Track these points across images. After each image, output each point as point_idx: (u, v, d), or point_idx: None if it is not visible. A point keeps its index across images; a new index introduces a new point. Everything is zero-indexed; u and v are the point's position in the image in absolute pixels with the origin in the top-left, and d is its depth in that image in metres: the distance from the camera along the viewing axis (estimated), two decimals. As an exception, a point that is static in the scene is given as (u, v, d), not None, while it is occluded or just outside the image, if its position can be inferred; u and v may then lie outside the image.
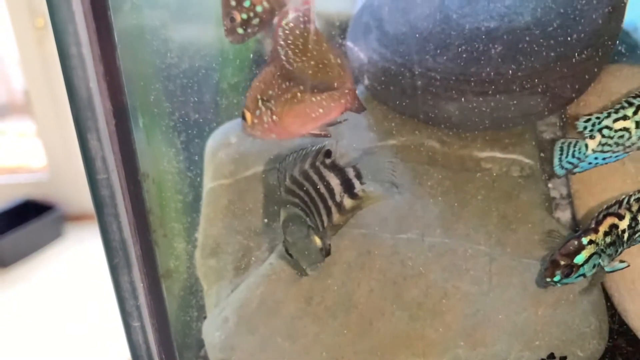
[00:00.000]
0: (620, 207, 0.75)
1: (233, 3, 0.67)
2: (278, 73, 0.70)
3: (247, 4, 0.67)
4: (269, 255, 0.86)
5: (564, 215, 0.91)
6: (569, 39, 0.83)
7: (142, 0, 0.75)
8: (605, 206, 0.76)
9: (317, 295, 0.81)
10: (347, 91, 0.72)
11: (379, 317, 0.79)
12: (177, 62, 0.87)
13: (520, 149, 0.91)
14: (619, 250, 0.77)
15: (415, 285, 0.80)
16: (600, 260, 0.74)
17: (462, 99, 0.85)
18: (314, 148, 0.82)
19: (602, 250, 0.74)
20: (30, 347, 2.32)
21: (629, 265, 0.76)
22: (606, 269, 0.77)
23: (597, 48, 0.85)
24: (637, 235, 0.76)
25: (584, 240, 0.73)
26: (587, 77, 0.87)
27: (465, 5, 0.88)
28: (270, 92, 0.71)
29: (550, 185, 0.93)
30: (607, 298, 0.85)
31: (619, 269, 0.77)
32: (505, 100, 0.85)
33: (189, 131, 0.92)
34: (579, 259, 0.73)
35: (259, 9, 0.68)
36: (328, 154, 0.81)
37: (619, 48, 0.91)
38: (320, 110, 0.72)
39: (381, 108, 0.93)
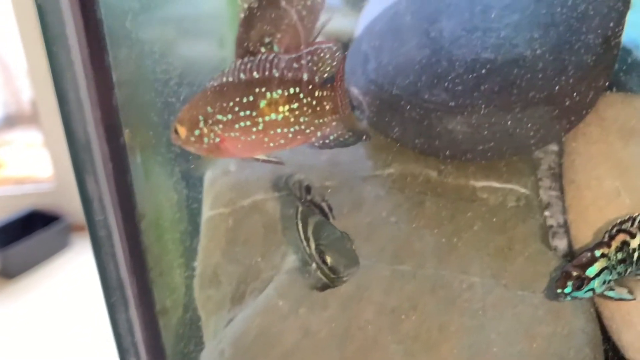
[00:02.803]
0: (632, 224, 0.75)
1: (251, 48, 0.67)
2: (239, 100, 0.61)
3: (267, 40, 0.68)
4: (266, 286, 0.87)
5: (562, 243, 0.92)
6: (564, 70, 0.83)
7: (138, 44, 0.76)
8: (619, 220, 0.76)
9: (315, 327, 0.81)
10: (333, 122, 0.63)
11: (375, 349, 0.80)
12: (177, 92, 0.88)
13: (516, 178, 0.91)
14: (628, 271, 0.76)
15: (410, 318, 0.81)
16: (610, 277, 0.74)
17: (457, 130, 0.86)
18: (295, 179, 0.81)
19: (613, 266, 0.74)
20: (36, 358, 2.34)
21: (634, 299, 0.77)
22: (613, 294, 0.77)
23: (593, 79, 0.85)
24: None
25: (597, 253, 0.73)
26: (583, 107, 0.88)
27: (461, 37, 0.89)
28: (221, 117, 0.62)
29: (547, 213, 0.93)
30: (603, 329, 0.85)
31: (625, 299, 0.77)
32: (500, 131, 0.85)
33: (188, 160, 0.93)
34: (591, 271, 0.73)
35: (276, 48, 0.68)
36: (308, 189, 0.80)
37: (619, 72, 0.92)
38: (282, 141, 0.63)
39: (379, 138, 0.94)
